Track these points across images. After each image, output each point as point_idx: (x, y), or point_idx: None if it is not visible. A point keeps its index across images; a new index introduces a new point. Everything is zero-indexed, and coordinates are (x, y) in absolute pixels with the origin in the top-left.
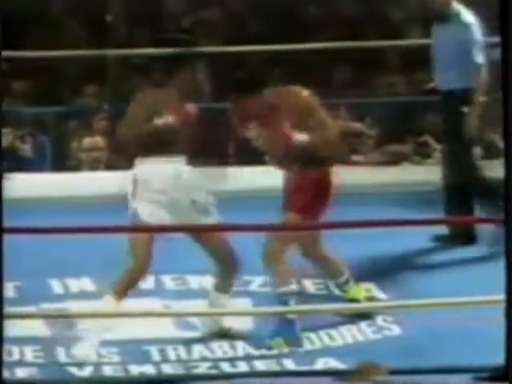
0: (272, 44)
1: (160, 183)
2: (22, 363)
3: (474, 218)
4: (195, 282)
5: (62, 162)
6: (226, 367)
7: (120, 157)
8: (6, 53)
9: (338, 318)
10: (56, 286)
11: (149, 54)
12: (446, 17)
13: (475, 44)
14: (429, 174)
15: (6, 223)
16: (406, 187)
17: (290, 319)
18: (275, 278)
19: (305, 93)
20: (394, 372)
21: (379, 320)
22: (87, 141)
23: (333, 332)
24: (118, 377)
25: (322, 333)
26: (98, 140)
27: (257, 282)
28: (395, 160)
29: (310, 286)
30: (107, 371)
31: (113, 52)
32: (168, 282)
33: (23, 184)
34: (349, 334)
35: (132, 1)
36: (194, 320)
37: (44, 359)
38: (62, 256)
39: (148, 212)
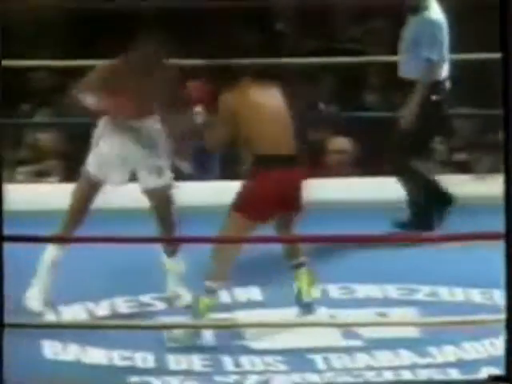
0: None
1: None
2: (190, 372)
3: (473, 234)
4: (361, 291)
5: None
6: (389, 376)
7: None
8: None
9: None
10: (224, 295)
11: (321, 62)
12: (416, 8)
13: (433, 39)
14: None
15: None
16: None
17: None
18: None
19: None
20: None
21: None
22: None
23: (496, 341)
24: None
25: (485, 342)
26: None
27: (424, 291)
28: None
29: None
30: (272, 380)
31: (285, 61)
32: (334, 291)
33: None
34: None
35: (302, 10)
36: (359, 329)
37: (211, 368)
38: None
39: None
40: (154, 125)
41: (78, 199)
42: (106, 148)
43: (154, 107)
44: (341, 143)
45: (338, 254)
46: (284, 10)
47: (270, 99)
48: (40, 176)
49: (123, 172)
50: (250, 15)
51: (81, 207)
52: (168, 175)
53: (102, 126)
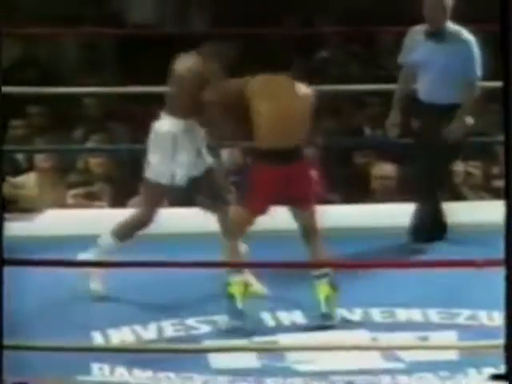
0: None
1: None
2: None
3: (474, 261)
4: (403, 315)
5: None
6: None
7: None
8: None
9: None
10: (268, 319)
11: (366, 90)
12: (442, 35)
13: (475, 60)
14: None
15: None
16: None
17: None
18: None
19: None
20: None
21: None
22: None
23: None
24: None
25: None
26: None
27: (464, 315)
28: None
29: None
30: None
31: (332, 88)
32: (376, 314)
33: None
34: None
35: (348, 37)
36: (401, 352)
37: None
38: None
39: None
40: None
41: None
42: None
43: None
44: (385, 169)
45: (381, 277)
46: (331, 37)
47: (279, 92)
48: (89, 198)
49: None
50: (299, 42)
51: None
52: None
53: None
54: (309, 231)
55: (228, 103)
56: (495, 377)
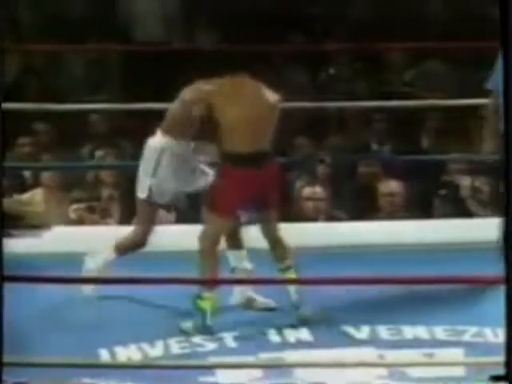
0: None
1: None
2: None
3: (474, 278)
4: (409, 332)
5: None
6: None
7: None
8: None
9: None
10: (273, 335)
11: (372, 106)
12: None
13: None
14: None
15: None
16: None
17: None
18: (201, 272)
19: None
20: None
21: None
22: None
23: None
24: None
25: None
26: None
27: (470, 332)
28: None
29: None
30: None
31: (333, 104)
32: (383, 332)
33: None
34: None
35: (355, 54)
36: (408, 369)
37: None
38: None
39: None
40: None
41: None
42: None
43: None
44: (392, 186)
45: (387, 295)
46: (338, 53)
47: (249, 95)
48: (94, 214)
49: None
50: (305, 58)
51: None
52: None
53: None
54: (276, 240)
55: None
56: (495, 378)
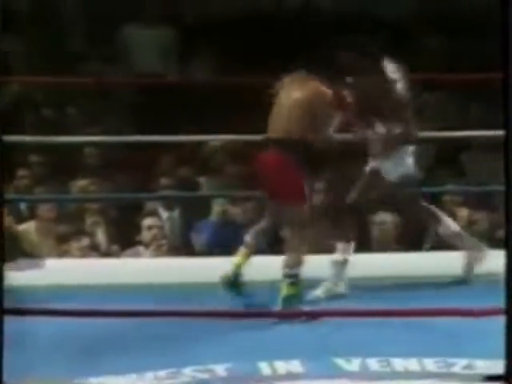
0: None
1: None
2: None
3: (473, 310)
4: (399, 364)
5: None
6: None
7: None
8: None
9: None
10: (264, 367)
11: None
12: None
13: None
14: None
15: None
16: None
17: None
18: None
19: None
20: None
21: None
22: None
23: None
24: None
25: None
26: None
27: (460, 365)
28: None
29: None
30: None
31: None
32: (373, 364)
33: None
34: None
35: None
36: None
37: None
38: (274, 339)
39: None
40: None
41: None
42: None
43: None
44: (384, 216)
45: (377, 326)
46: None
47: (292, 92)
48: (92, 249)
49: None
50: None
51: None
52: None
53: None
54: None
55: None
56: (494, 378)
